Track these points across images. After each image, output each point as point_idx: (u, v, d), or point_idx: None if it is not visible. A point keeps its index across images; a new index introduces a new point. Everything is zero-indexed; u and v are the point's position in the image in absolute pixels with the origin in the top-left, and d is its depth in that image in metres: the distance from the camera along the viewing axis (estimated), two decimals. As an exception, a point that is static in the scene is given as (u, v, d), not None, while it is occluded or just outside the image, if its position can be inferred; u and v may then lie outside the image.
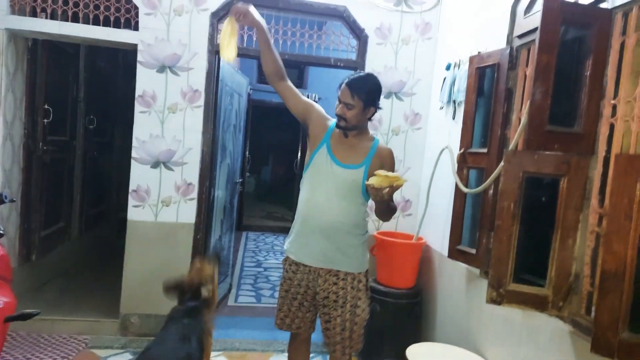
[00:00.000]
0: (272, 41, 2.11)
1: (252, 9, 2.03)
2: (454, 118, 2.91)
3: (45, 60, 3.37)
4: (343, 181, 2.00)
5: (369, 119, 2.13)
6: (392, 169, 2.10)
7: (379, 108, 2.13)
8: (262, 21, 2.06)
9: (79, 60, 4.02)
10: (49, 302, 3.35)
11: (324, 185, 2.07)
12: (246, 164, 6.93)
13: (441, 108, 3.14)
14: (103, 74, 4.31)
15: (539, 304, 1.76)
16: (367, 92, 2.02)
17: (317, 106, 2.20)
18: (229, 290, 4.26)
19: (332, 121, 2.15)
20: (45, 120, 3.39)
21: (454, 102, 2.90)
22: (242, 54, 3.30)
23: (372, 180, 1.84)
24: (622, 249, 1.33)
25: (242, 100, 3.98)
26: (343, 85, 2.04)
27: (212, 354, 3.02)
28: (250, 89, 6.94)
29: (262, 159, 11.03)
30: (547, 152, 1.71)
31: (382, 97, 3.19)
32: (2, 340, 1.47)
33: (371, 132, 3.24)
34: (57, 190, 3.78)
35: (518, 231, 1.78)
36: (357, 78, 2.05)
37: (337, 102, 2.06)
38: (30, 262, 3.44)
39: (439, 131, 3.15)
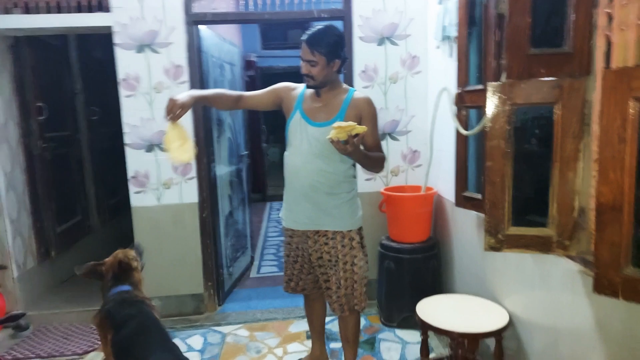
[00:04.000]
0: (206, 93, 2.11)
1: (180, 96, 1.92)
2: (451, 56, 2.69)
3: (30, 57, 3.33)
4: (317, 141, 1.92)
5: (338, 71, 2.05)
6: (372, 118, 2.02)
7: (345, 58, 2.03)
8: (192, 93, 2.00)
9: (68, 52, 3.97)
10: (75, 294, 3.45)
11: (300, 147, 2.05)
12: (262, 135, 6.86)
13: (438, 47, 2.91)
14: (100, 62, 4.26)
15: (543, 246, 1.62)
16: (326, 45, 1.94)
17: (281, 85, 2.20)
18: (251, 262, 4.28)
19: (302, 86, 2.12)
20: (40, 118, 3.39)
21: (449, 38, 2.67)
22: (241, 19, 3.24)
23: (331, 134, 1.76)
24: (618, 177, 1.16)
25: (235, 69, 3.85)
26: (302, 43, 1.96)
27: (233, 326, 3.07)
28: (256, 56, 6.77)
29: (283, 127, 10.88)
30: (536, 79, 1.52)
31: (371, 44, 3.04)
32: None
33: (367, 83, 3.12)
34: (67, 185, 3.82)
35: (513, 171, 1.62)
36: (313, 33, 1.96)
37: (301, 62, 1.99)
38: (50, 259, 3.53)
39: (440, 72, 2.93)
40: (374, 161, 2.05)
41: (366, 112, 2.02)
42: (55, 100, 3.62)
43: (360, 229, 2.15)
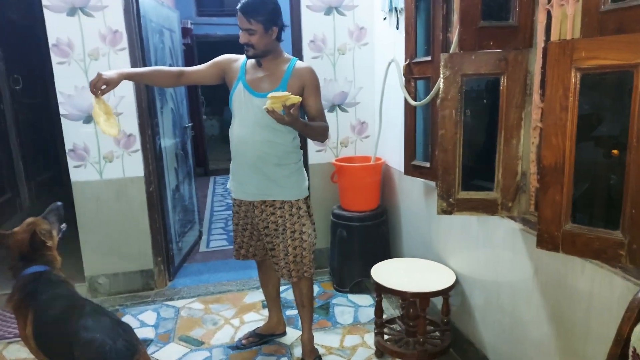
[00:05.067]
0: (140, 70, 2.08)
1: (107, 72, 1.91)
2: (397, 28, 2.74)
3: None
4: (262, 111, 1.90)
5: (278, 39, 2.04)
6: (314, 88, 2.06)
7: (284, 26, 2.03)
8: (122, 70, 2.01)
9: (-16, 14, 3.59)
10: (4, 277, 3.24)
11: (245, 119, 2.05)
12: (201, 107, 6.64)
13: (384, 19, 2.95)
14: (20, 27, 3.89)
15: (489, 208, 1.75)
16: (263, 13, 1.93)
17: (222, 57, 2.17)
18: (200, 237, 4.22)
19: (242, 58, 2.10)
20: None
21: (396, 9, 2.72)
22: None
23: (267, 104, 1.78)
24: (560, 142, 1.28)
25: (174, 36, 3.67)
26: (238, 12, 1.94)
27: (187, 300, 3.05)
28: (191, 23, 6.47)
29: (221, 99, 10.55)
30: (483, 51, 1.61)
31: (319, 13, 3.03)
32: None
33: (316, 53, 3.12)
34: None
35: (463, 138, 1.72)
36: (248, 1, 1.93)
37: (240, 31, 1.97)
38: (-21, 239, 3.27)
39: (386, 44, 2.98)
40: (316, 130, 2.06)
41: (309, 82, 2.03)
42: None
43: (307, 198, 2.19)
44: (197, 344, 2.56)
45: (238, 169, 2.15)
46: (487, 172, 1.72)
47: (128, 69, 2.01)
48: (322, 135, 2.12)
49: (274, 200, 2.12)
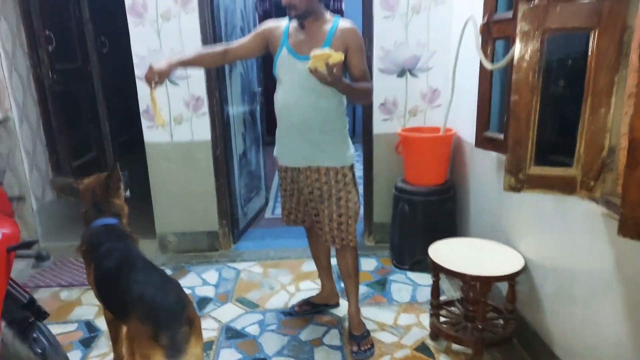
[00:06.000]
0: (187, 57, 2.10)
1: (157, 64, 1.94)
2: (478, -18, 2.46)
3: (34, -21, 3.19)
4: (307, 74, 1.84)
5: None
6: (358, 47, 1.97)
7: None
8: (171, 59, 2.00)
9: (75, -22, 3.81)
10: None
11: (290, 83, 2.02)
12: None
13: (465, -27, 2.67)
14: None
15: (566, 187, 1.52)
16: None
17: (263, 25, 2.14)
18: (266, 203, 4.28)
19: (284, 22, 2.07)
20: (50, 47, 3.29)
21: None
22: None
23: (309, 64, 1.74)
24: (658, 109, 1.04)
25: None
26: None
27: (248, 263, 3.11)
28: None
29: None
30: (573, 2, 1.36)
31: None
32: (9, 269, 1.47)
33: (388, 12, 2.92)
34: (81, 120, 3.80)
35: (540, 106, 1.50)
36: None
37: None
38: (68, 192, 3.58)
39: (465, 2, 2.71)
40: (360, 92, 2.02)
41: (352, 41, 1.96)
42: (63, 30, 3.50)
43: (352, 166, 2.14)
44: (252, 306, 2.60)
45: (283, 135, 2.13)
46: (566, 145, 1.49)
47: (176, 57, 2.07)
48: (366, 96, 2.09)
49: (318, 166, 2.07)
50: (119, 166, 1.96)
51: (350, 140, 2.15)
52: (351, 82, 2.00)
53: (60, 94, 3.47)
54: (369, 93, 2.07)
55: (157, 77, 1.94)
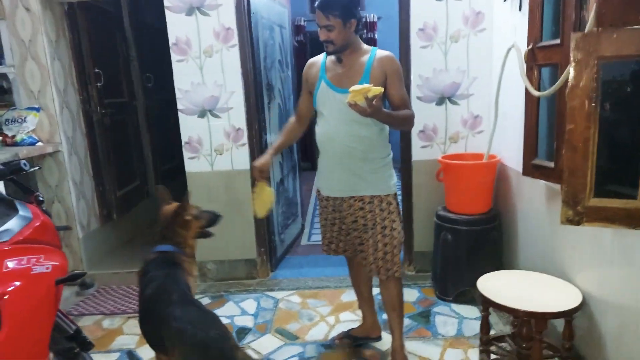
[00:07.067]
0: (278, 142, 2.27)
1: (258, 163, 2.17)
2: (520, 9, 2.43)
3: (85, 23, 3.37)
4: (346, 106, 1.84)
5: (356, 32, 1.99)
6: (397, 75, 1.99)
7: (361, 18, 1.99)
8: (269, 153, 2.20)
9: (122, 18, 4.00)
10: (133, 256, 3.59)
11: (330, 115, 2.04)
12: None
13: (505, 0, 2.64)
14: (152, 29, 4.29)
15: (629, 220, 1.43)
16: (340, 7, 1.89)
17: (304, 72, 2.20)
18: (302, 230, 4.27)
19: (321, 57, 2.12)
20: (98, 84, 3.46)
21: (519, -11, 2.41)
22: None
23: (348, 98, 1.76)
24: None
25: (284, 32, 3.73)
26: (316, 9, 1.93)
27: (286, 292, 3.08)
28: (304, 20, 6.59)
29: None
30: (630, 28, 1.30)
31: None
32: (57, 301, 1.50)
33: (426, 43, 2.91)
34: (126, 151, 3.93)
35: (598, 134, 1.43)
36: None
37: (319, 29, 1.96)
38: (112, 221, 3.68)
39: (506, 29, 2.67)
40: (401, 119, 2.01)
41: (390, 70, 1.98)
42: (111, 67, 3.69)
43: (395, 194, 2.13)
44: (292, 337, 2.56)
45: (325, 166, 2.14)
46: (629, 175, 1.41)
47: (273, 145, 2.26)
48: (407, 124, 2.09)
49: (362, 195, 2.06)
50: (189, 200, 1.91)
51: (392, 169, 2.14)
52: (391, 110, 2.00)
53: (107, 127, 3.61)
54: (410, 120, 2.06)
55: (259, 174, 2.14)
